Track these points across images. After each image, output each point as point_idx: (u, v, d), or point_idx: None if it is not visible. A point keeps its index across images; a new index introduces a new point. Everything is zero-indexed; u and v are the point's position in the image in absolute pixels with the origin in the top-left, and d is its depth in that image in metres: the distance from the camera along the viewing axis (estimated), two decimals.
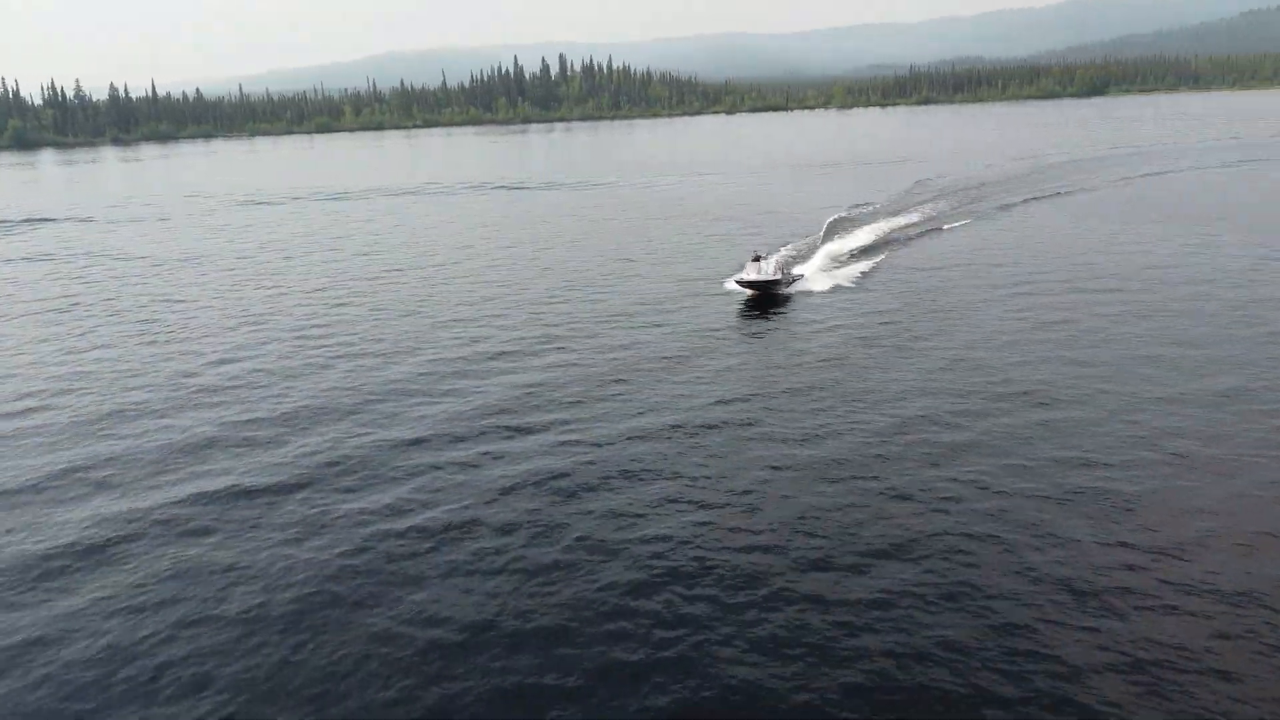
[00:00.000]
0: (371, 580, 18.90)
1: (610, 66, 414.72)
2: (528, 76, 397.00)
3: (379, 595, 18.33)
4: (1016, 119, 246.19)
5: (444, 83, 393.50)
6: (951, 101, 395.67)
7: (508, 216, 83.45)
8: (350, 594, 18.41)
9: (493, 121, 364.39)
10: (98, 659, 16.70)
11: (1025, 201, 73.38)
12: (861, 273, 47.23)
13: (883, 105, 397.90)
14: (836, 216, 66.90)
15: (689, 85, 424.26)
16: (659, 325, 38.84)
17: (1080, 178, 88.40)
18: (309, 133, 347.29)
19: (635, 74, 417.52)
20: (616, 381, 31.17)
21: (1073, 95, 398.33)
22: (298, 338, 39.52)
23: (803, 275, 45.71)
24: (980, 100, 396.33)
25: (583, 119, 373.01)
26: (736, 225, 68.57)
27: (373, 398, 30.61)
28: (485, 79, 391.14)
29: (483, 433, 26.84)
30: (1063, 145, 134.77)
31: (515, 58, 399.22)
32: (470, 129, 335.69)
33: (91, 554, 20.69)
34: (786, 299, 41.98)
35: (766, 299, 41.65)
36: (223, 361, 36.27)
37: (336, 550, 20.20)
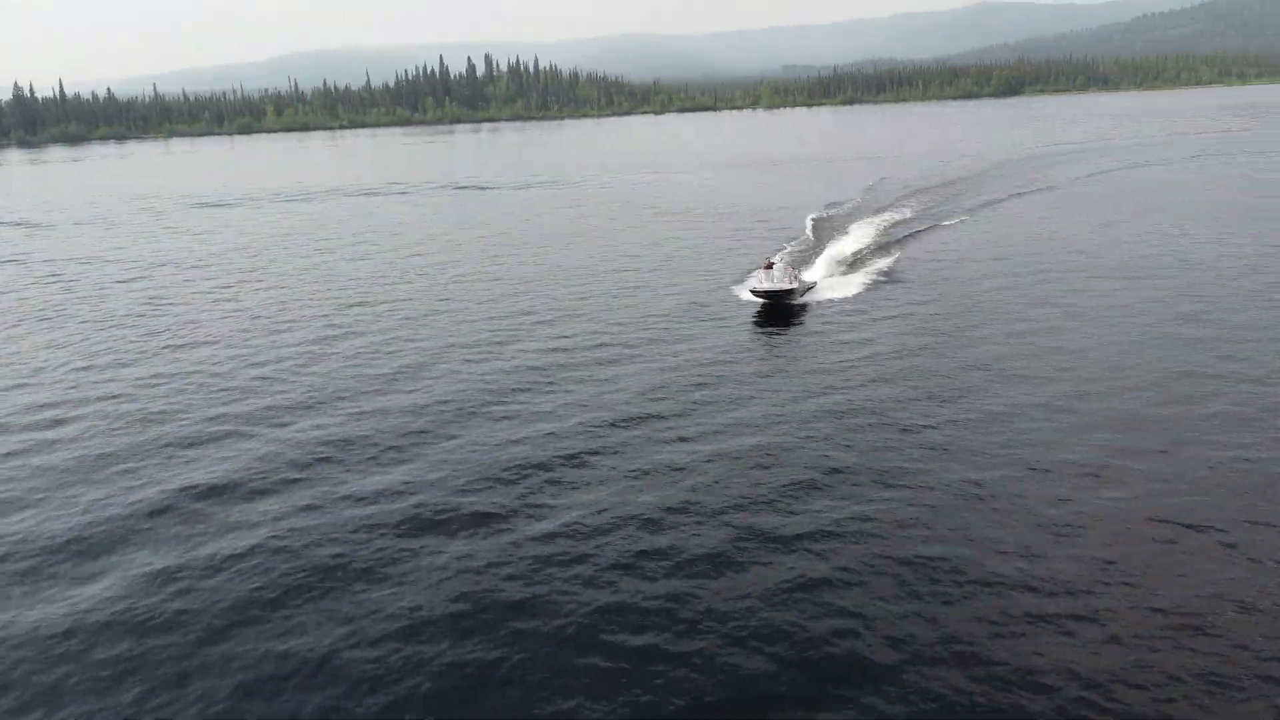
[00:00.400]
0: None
1: (537, 66, 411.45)
2: (453, 76, 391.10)
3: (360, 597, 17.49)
4: (947, 118, 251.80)
5: (368, 83, 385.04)
6: (875, 101, 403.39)
7: (489, 217, 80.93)
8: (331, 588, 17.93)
9: (421, 122, 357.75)
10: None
11: (1010, 197, 73.85)
12: (875, 278, 44.47)
13: (809, 105, 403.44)
14: (817, 216, 65.75)
15: (617, 86, 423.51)
16: (676, 342, 34.88)
17: (1039, 175, 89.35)
18: (230, 134, 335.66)
19: (563, 74, 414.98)
20: (647, 417, 26.91)
21: (990, 95, 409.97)
22: (315, 342, 37.14)
23: (815, 283, 42.75)
24: (903, 100, 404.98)
25: (513, 119, 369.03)
26: (720, 224, 66.74)
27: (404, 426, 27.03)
28: (410, 79, 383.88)
29: (501, 481, 22.88)
30: (1004, 143, 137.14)
31: (441, 57, 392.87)
32: (397, 130, 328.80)
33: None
34: (802, 309, 39.16)
35: (781, 309, 38.70)
36: (251, 363, 34.23)
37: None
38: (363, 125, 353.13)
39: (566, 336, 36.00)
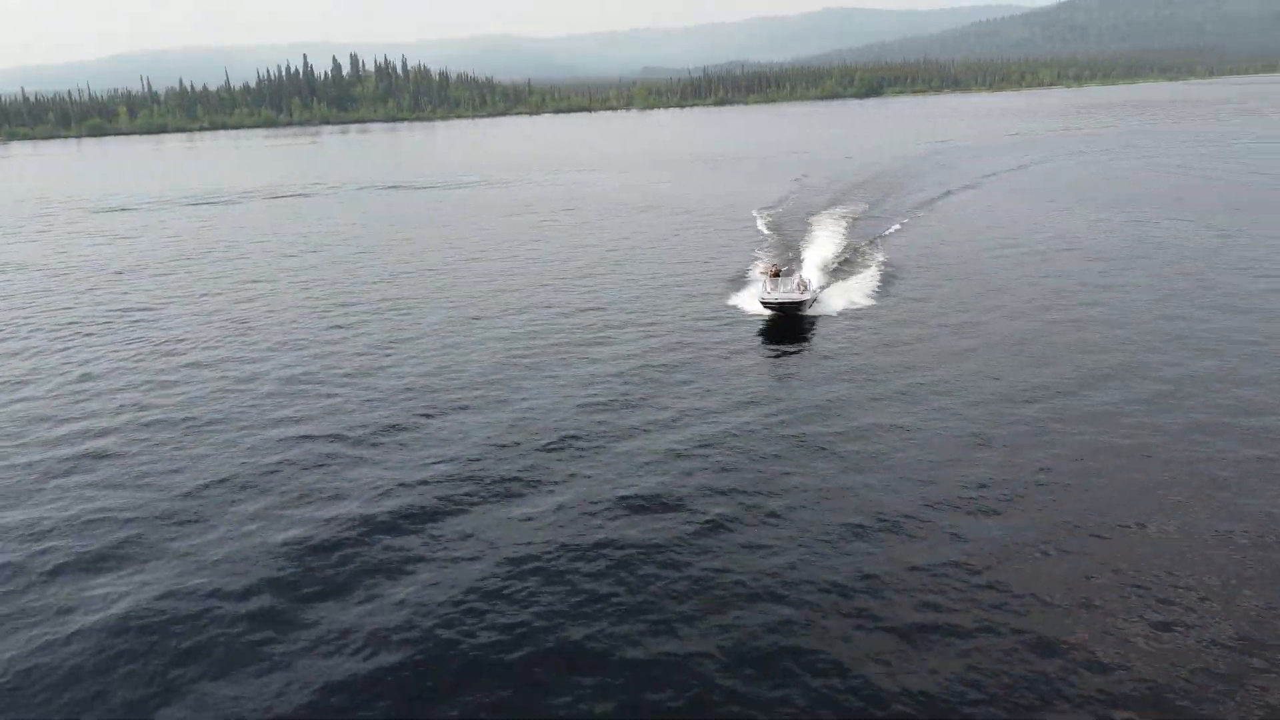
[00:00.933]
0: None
1: (406, 67, 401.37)
2: (318, 76, 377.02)
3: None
4: (826, 117, 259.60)
5: (227, 82, 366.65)
6: (746, 102, 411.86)
7: (422, 219, 78.20)
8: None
9: (287, 124, 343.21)
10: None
11: (948, 194, 74.42)
12: (873, 284, 41.54)
13: (681, 106, 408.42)
14: (764, 219, 63.81)
15: (489, 86, 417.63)
16: (678, 363, 31.27)
17: (955, 171, 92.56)
18: (78, 136, 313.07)
19: (433, 75, 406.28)
20: (671, 454, 23.66)
21: (853, 95, 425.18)
22: (323, 342, 35.70)
23: (819, 291, 39.06)
24: (772, 101, 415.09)
25: (385, 120, 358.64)
26: (668, 226, 64.42)
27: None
28: (273, 79, 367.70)
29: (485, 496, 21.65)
30: (896, 141, 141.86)
31: (305, 57, 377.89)
32: (260, 132, 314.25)
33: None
34: (811, 321, 35.61)
35: (790, 321, 35.22)
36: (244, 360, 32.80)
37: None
38: (224, 127, 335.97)
39: (568, 371, 31.10)
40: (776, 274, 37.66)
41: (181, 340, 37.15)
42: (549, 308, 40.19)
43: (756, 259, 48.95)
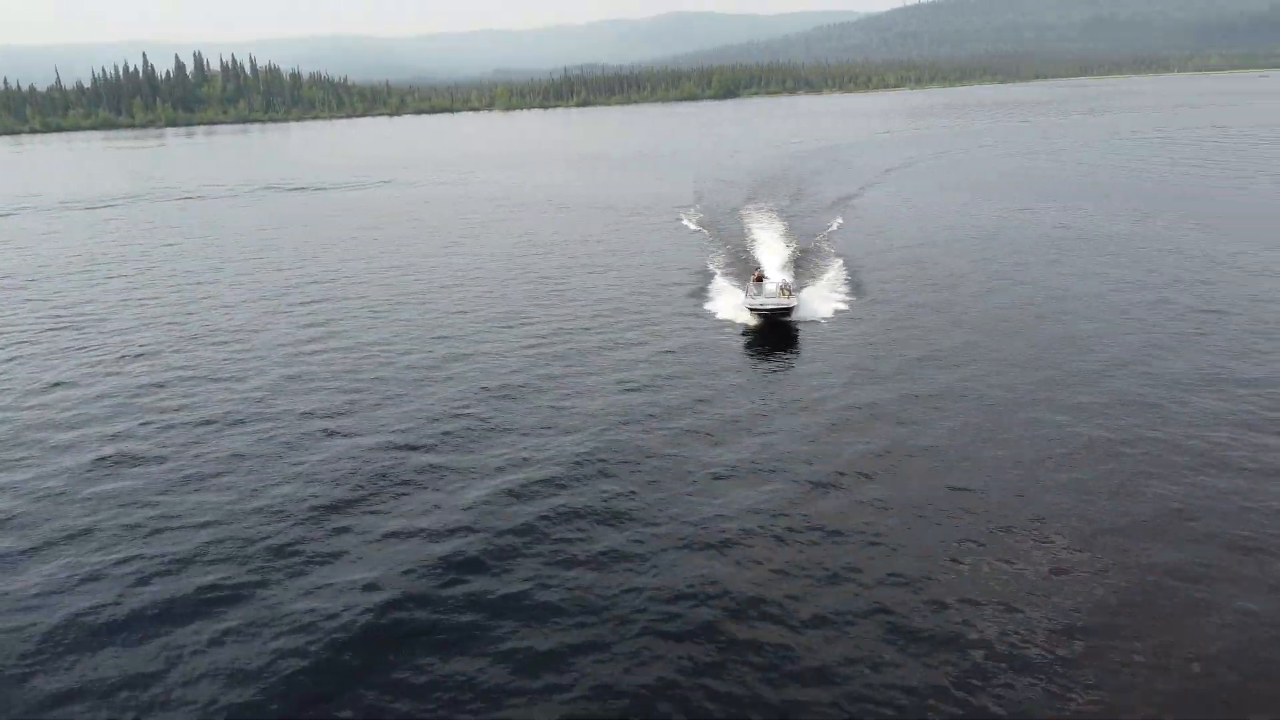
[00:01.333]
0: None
1: (254, 66, 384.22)
2: (160, 76, 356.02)
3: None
4: (695, 117, 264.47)
5: (58, 81, 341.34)
6: (608, 103, 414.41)
7: (349, 221, 76.03)
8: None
9: (128, 126, 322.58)
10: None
11: (867, 188, 76.95)
12: (843, 285, 40.99)
13: (544, 107, 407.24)
14: (693, 220, 63.29)
15: (345, 87, 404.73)
16: (664, 377, 29.36)
17: (850, 169, 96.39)
18: None
19: (285, 74, 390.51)
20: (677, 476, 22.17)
21: (711, 97, 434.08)
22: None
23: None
24: (633, 102, 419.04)
25: (236, 122, 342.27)
26: (601, 224, 63.44)
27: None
28: (110, 79, 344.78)
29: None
30: (778, 140, 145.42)
31: (144, 55, 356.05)
32: (98, 134, 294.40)
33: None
34: (796, 326, 34.43)
35: (778, 327, 34.06)
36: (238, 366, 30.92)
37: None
38: (58, 129, 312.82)
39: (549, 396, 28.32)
40: (760, 279, 36.83)
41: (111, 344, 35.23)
42: (525, 322, 36.89)
43: (712, 264, 46.79)
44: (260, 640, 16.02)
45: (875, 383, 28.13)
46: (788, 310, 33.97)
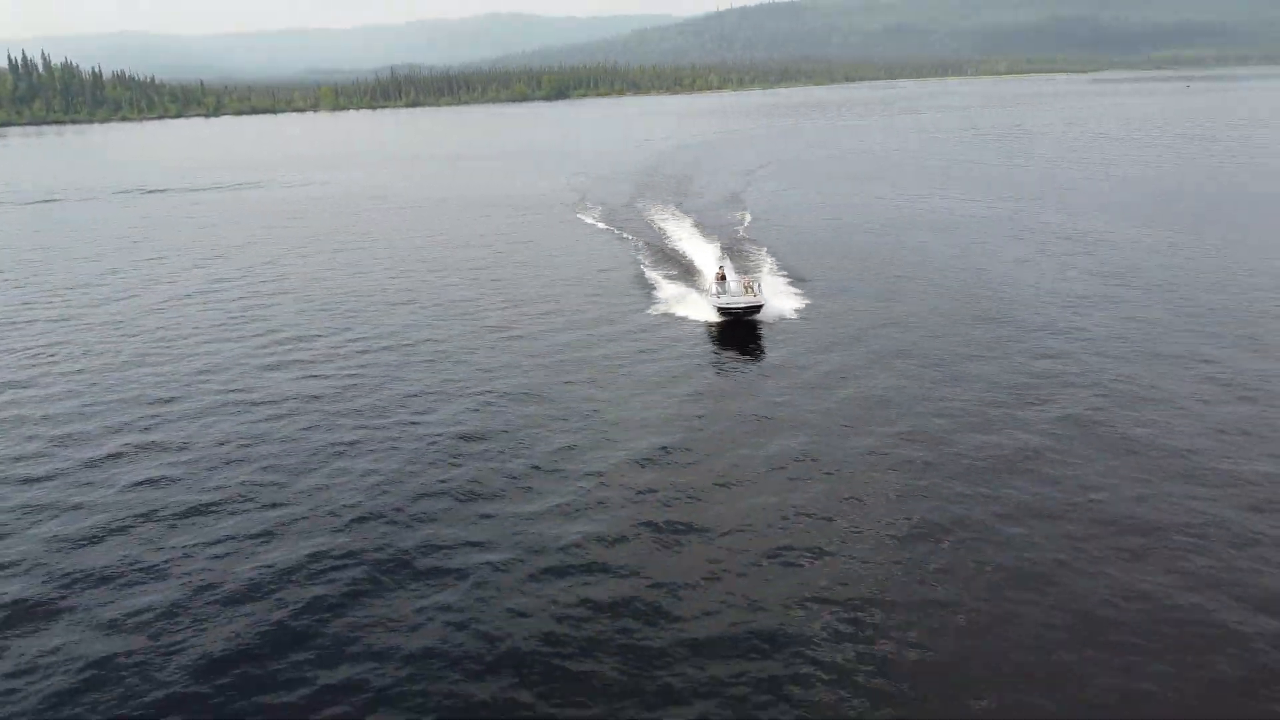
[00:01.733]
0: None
1: (48, 64, 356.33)
2: None
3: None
4: (536, 118, 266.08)
5: None
6: (438, 104, 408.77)
7: (224, 223, 74.87)
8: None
9: None
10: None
11: (747, 186, 79.84)
12: (783, 280, 41.40)
13: (373, 108, 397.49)
14: (593, 217, 64.12)
15: (154, 87, 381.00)
16: (647, 391, 28.33)
17: (720, 165, 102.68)
18: None
19: (84, 73, 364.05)
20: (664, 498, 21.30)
21: (543, 98, 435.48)
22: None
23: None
24: (464, 103, 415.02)
25: (32, 123, 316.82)
26: (505, 222, 63.80)
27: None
28: None
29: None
30: (630, 138, 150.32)
31: None
32: None
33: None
34: (759, 324, 34.69)
35: (743, 325, 34.21)
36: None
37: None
38: None
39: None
40: (723, 277, 36.79)
41: None
42: (465, 316, 36.95)
43: (642, 262, 47.55)
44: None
45: (877, 368, 29.47)
46: (758, 308, 34.17)
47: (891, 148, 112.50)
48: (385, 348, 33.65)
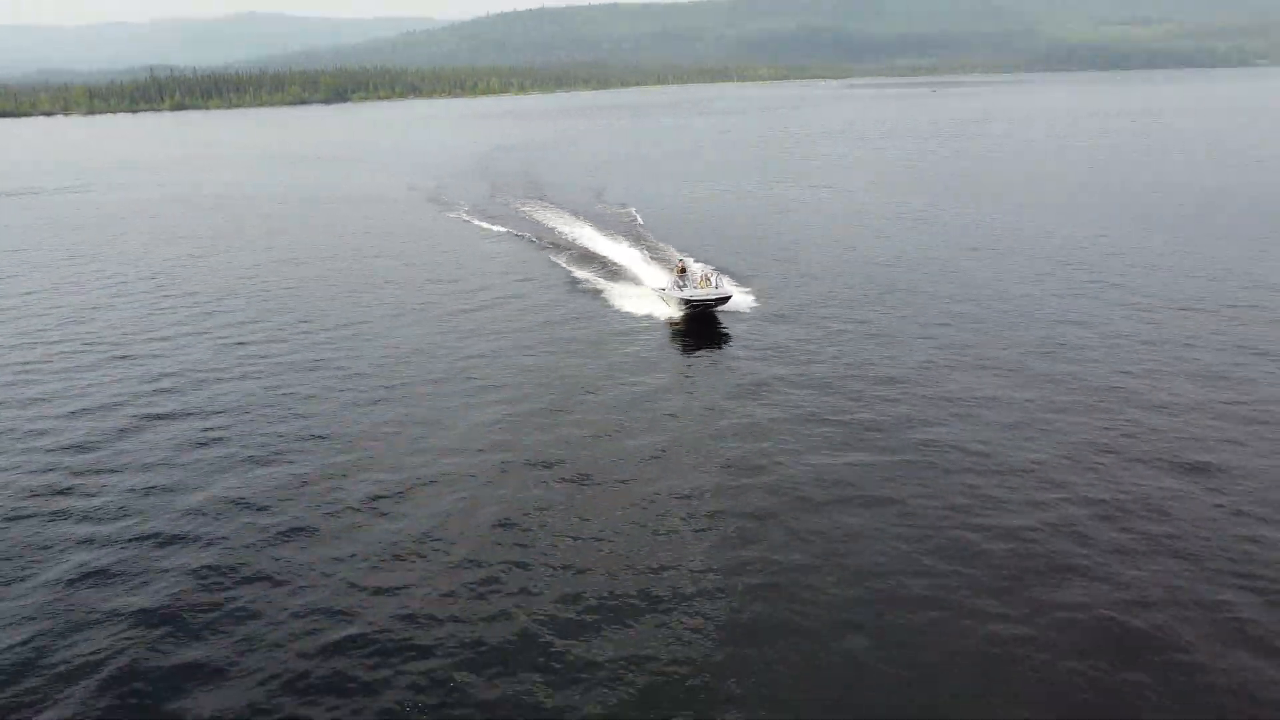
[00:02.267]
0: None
1: None
2: None
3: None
4: (327, 122, 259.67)
5: None
6: (207, 107, 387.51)
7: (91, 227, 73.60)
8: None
9: None
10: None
11: (610, 184, 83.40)
12: (727, 277, 40.57)
13: (133, 110, 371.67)
14: (477, 217, 64.18)
15: None
16: (615, 385, 28.94)
17: (562, 162, 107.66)
18: None
19: None
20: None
21: (321, 101, 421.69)
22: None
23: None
24: (236, 106, 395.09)
25: None
26: (391, 220, 64.31)
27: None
28: None
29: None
30: (446, 143, 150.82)
31: None
32: None
33: None
34: (720, 316, 35.55)
35: (706, 318, 34.98)
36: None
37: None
38: None
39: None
40: (684, 270, 36.89)
41: None
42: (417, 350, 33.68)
43: (561, 261, 47.74)
44: None
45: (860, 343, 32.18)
46: (724, 299, 34.65)
47: (720, 146, 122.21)
48: (310, 368, 31.86)
